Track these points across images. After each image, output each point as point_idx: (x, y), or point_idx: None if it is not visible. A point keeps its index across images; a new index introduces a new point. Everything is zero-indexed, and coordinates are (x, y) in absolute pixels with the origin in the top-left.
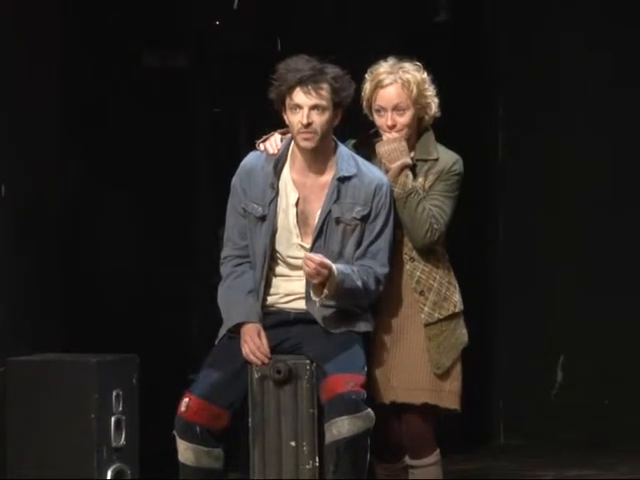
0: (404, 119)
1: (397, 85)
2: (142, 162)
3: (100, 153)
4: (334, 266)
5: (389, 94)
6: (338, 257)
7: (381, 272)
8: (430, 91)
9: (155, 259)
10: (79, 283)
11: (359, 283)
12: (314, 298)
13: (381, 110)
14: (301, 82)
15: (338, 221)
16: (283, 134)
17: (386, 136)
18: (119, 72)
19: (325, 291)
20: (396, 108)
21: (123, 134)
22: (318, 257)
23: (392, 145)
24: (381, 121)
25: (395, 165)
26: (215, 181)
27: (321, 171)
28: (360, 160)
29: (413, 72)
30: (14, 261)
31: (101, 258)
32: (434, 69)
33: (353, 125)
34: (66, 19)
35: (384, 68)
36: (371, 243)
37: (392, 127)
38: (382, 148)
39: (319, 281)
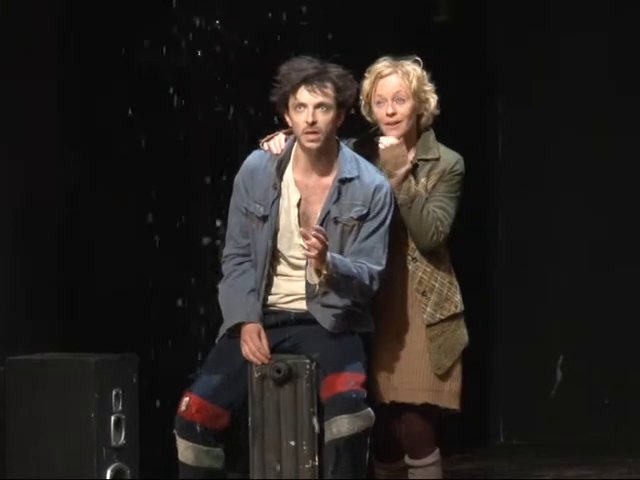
0: (404, 109)
1: (397, 75)
2: (141, 162)
3: (99, 153)
4: (329, 252)
5: (389, 82)
6: None
7: (375, 269)
8: (429, 87)
9: (155, 258)
10: (78, 282)
11: (355, 271)
12: (312, 281)
13: (381, 101)
14: (306, 81)
15: (336, 221)
16: (287, 134)
17: (388, 141)
18: (118, 72)
19: (323, 272)
20: (396, 97)
21: (122, 134)
22: (312, 231)
23: (396, 151)
24: (381, 112)
25: (401, 172)
26: (215, 180)
27: (324, 172)
28: (362, 162)
29: (412, 66)
30: (13, 261)
31: (100, 257)
32: (434, 69)
33: (352, 125)
34: (64, 18)
35: (383, 63)
36: (365, 239)
37: (392, 115)
38: (386, 155)
39: (318, 252)
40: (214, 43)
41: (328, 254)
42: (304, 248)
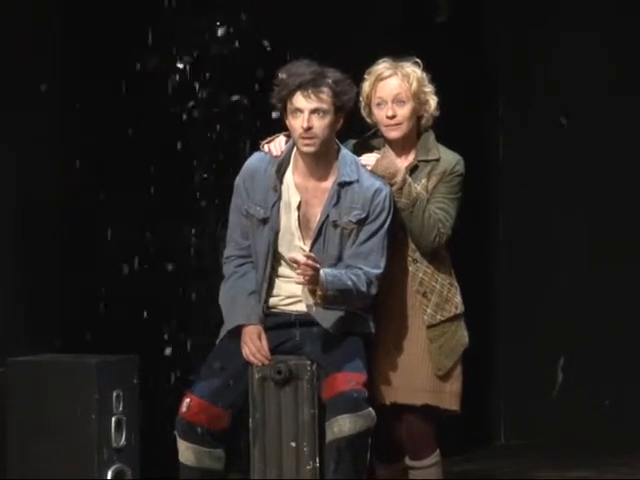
0: (404, 111)
1: (397, 77)
2: (142, 162)
3: (100, 153)
4: (322, 270)
5: (389, 85)
6: (337, 260)
7: (373, 273)
8: (429, 88)
9: (155, 259)
10: (79, 283)
11: (349, 283)
12: (307, 303)
13: (381, 103)
14: (301, 86)
15: (335, 225)
16: (288, 136)
17: (368, 160)
18: (119, 72)
19: (318, 292)
20: (396, 99)
21: (123, 134)
22: (301, 258)
23: (384, 161)
24: (381, 114)
25: (398, 179)
26: (215, 181)
27: (323, 175)
28: (362, 165)
29: (412, 67)
30: (14, 261)
31: (100, 258)
32: (434, 69)
33: (352, 126)
34: (65, 19)
35: (383, 64)
36: (363, 243)
37: (392, 118)
38: (379, 169)
39: (310, 277)
40: (214, 45)
41: (321, 272)
42: (298, 269)
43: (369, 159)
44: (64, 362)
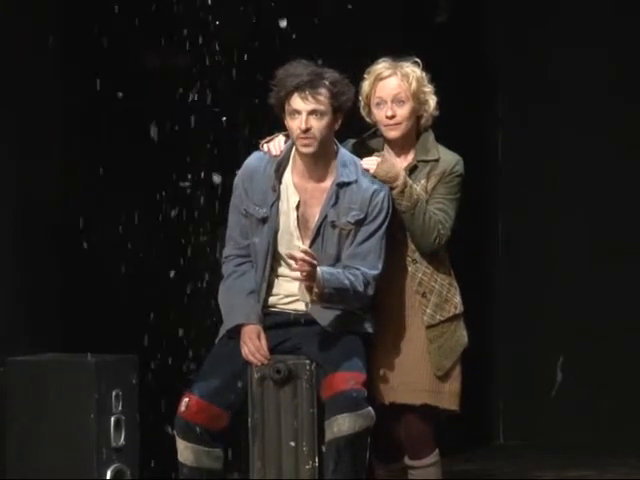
0: (403, 111)
1: (397, 77)
2: (142, 162)
3: (100, 153)
4: (319, 267)
5: (389, 84)
6: (335, 261)
7: (370, 274)
8: (428, 88)
9: (155, 258)
10: (78, 283)
11: (347, 282)
12: (304, 300)
13: (381, 102)
14: (298, 87)
15: (334, 225)
16: (287, 136)
17: (369, 164)
18: (119, 72)
19: (315, 290)
20: (396, 99)
21: (123, 134)
22: (299, 254)
23: (385, 165)
24: (380, 114)
25: (398, 182)
26: (216, 181)
27: (322, 176)
28: (360, 165)
29: (412, 67)
30: (14, 261)
31: (100, 257)
32: (434, 69)
33: (351, 126)
34: (65, 19)
35: (382, 64)
36: (361, 243)
37: (392, 117)
38: (380, 173)
39: (307, 274)
40: (214, 44)
41: (318, 269)
42: (294, 266)
43: (370, 163)
44: (64, 362)
